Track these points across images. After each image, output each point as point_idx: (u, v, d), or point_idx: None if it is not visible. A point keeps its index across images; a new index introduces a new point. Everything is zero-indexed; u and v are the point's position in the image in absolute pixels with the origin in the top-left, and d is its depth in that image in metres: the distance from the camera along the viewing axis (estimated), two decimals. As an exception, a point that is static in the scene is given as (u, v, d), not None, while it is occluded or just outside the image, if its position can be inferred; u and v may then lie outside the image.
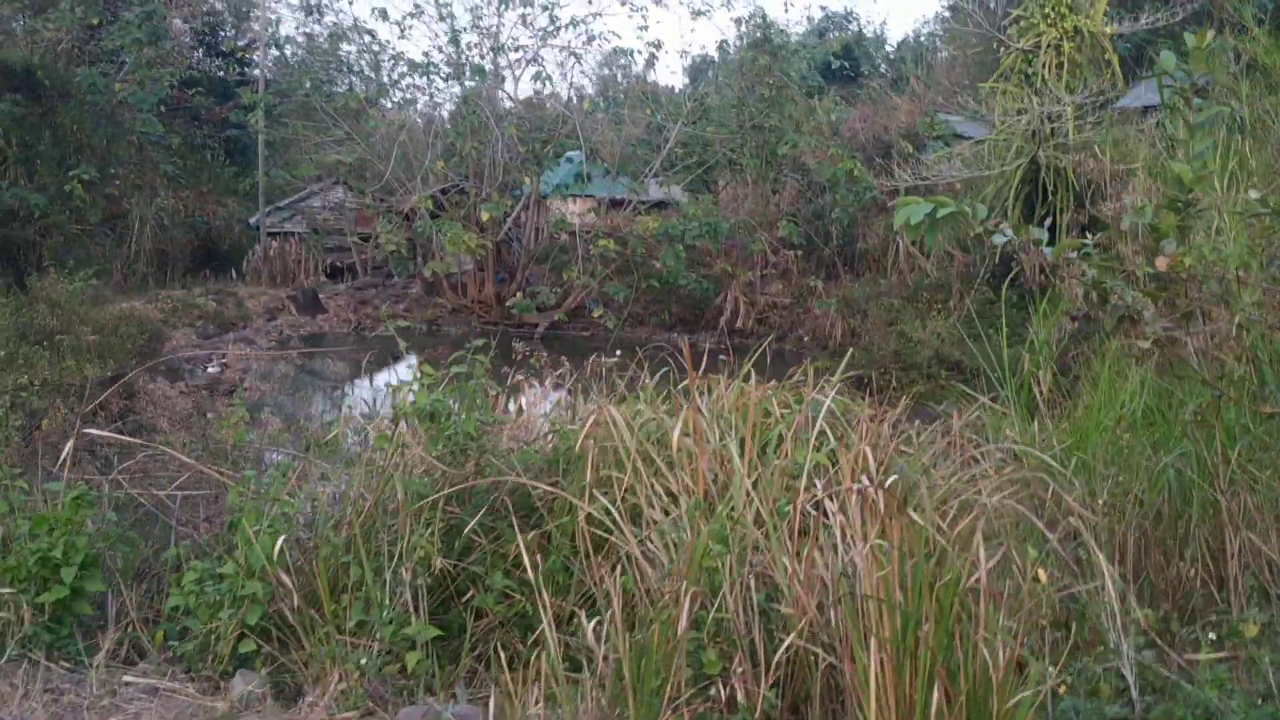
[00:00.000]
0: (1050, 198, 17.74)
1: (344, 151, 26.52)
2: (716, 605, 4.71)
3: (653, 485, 5.89)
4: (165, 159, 28.06)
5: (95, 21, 26.13)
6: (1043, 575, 4.55)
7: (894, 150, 26.05)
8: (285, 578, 5.36)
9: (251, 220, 31.05)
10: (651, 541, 5.35)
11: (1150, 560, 5.31)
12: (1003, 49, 19.16)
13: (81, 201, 23.32)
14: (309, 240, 30.23)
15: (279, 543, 5.39)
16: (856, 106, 31.09)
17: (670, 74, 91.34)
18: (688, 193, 27.84)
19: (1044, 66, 18.14)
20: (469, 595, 5.73)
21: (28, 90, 22.90)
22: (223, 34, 36.47)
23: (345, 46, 28.49)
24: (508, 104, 27.44)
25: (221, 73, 35.58)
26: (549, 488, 6.11)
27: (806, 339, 24.75)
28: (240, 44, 34.89)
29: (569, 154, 28.53)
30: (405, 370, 24.06)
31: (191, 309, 23.63)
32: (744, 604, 4.77)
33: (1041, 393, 8.18)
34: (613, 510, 5.51)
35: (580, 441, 6.26)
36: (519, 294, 25.36)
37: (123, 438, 7.31)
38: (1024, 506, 5.30)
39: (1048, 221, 17.12)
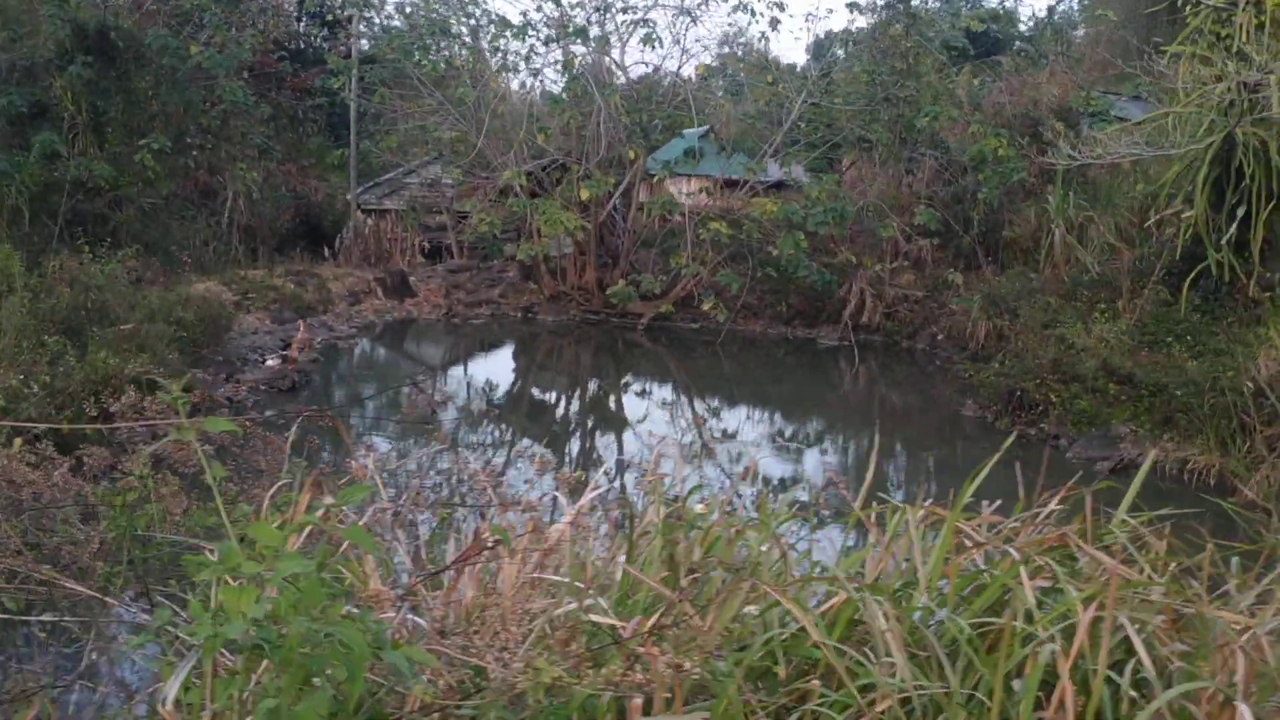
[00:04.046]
0: (1246, 183, 14.86)
1: (435, 123, 24.58)
2: None
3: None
4: (254, 129, 26.43)
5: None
6: None
7: (1043, 128, 23.27)
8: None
9: (350, 195, 29.38)
10: None
11: None
12: (1189, 6, 16.21)
13: (153, 173, 21.70)
14: (406, 218, 28.40)
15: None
16: (998, 81, 28.23)
17: (792, 47, 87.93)
18: (809, 173, 25.34)
19: (1241, 27, 15.21)
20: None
21: (101, 53, 21.35)
22: (326, 2, 34.92)
23: (441, 9, 26.41)
24: (614, 71, 25.15)
25: (325, 42, 34.13)
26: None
27: (941, 338, 22.16)
28: (343, 13, 33.19)
29: (683, 131, 26.26)
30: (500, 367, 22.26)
31: (269, 291, 21.90)
32: None
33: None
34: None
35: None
36: (621, 281, 23.13)
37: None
38: None
39: (1240, 211, 14.42)
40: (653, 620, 2.41)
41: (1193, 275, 15.56)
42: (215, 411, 14.45)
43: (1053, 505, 3.16)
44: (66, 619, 4.89)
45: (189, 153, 24.41)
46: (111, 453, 5.30)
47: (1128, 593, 2.59)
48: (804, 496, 12.89)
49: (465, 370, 21.77)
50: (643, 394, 20.36)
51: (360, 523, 3.92)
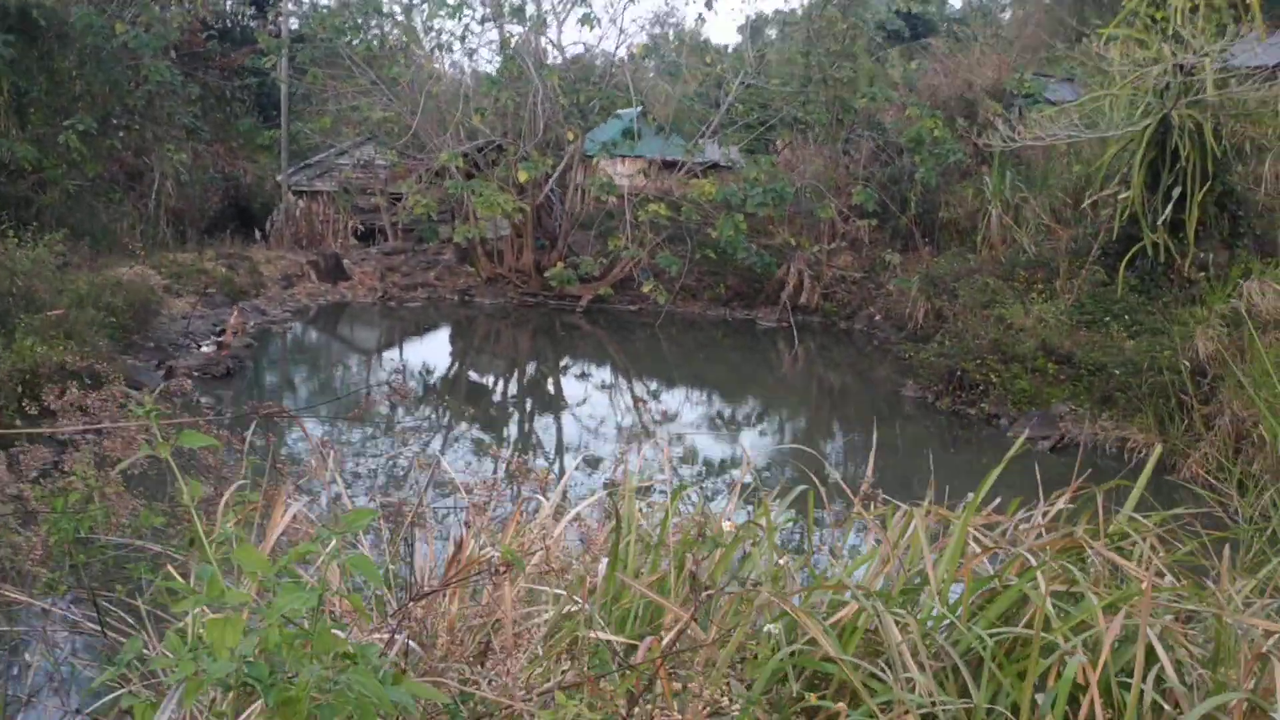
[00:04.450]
0: (1181, 164, 15.02)
1: (368, 103, 24.15)
2: None
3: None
4: (182, 109, 25.81)
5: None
6: None
7: (978, 109, 23.42)
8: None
9: (280, 177, 28.80)
10: None
11: None
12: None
13: (79, 154, 21.09)
14: (339, 200, 27.90)
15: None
16: (932, 63, 28.34)
17: (725, 28, 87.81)
18: (745, 154, 25.26)
19: (1176, 10, 15.34)
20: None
21: (22, 31, 20.67)
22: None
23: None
24: (551, 52, 24.88)
25: (254, 21, 33.42)
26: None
27: (878, 318, 22.24)
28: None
29: (618, 111, 26.04)
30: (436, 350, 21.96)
31: (199, 275, 21.40)
32: None
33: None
34: None
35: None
36: (560, 264, 22.93)
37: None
38: None
39: (1176, 192, 14.58)
40: (667, 640, 2.28)
41: (1129, 256, 15.72)
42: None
43: (1060, 504, 3.06)
44: (5, 629, 4.70)
45: (115, 134, 23.78)
46: (52, 451, 5.07)
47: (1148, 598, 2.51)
48: (747, 479, 12.90)
49: (401, 354, 21.49)
50: (583, 376, 20.24)
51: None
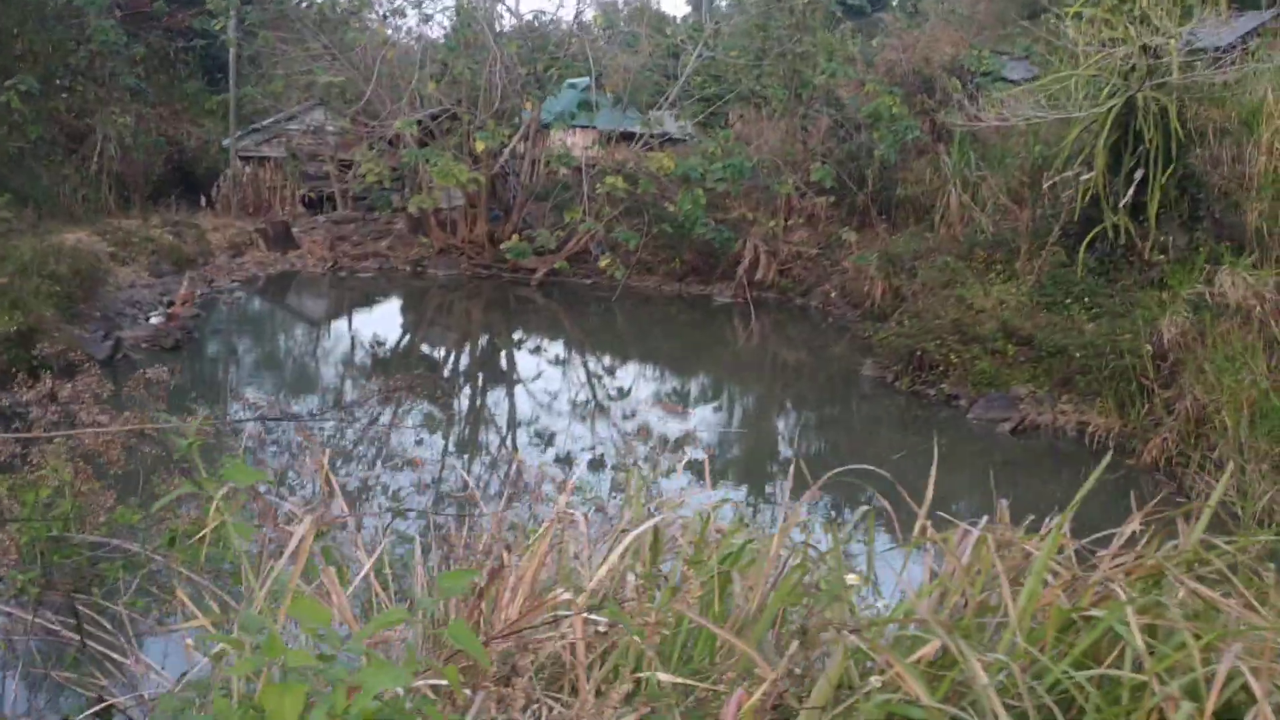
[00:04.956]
0: (1144, 147, 15.04)
1: (321, 68, 23.63)
2: None
3: None
4: (127, 71, 25.12)
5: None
6: None
7: (936, 85, 23.34)
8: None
9: (225, 142, 28.12)
10: None
11: None
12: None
13: (20, 116, 20.45)
14: (287, 167, 27.31)
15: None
16: (883, 38, 28.18)
17: (674, 1, 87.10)
18: (698, 127, 25.02)
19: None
20: None
21: (-39, -11, 20.05)
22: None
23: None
24: (507, 18, 24.47)
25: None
26: None
27: (834, 295, 22.17)
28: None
29: (570, 81, 25.69)
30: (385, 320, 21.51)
31: (146, 242, 20.88)
32: None
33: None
34: None
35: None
36: (515, 236, 22.62)
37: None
38: None
39: (1138, 175, 14.59)
40: (755, 697, 2.07)
41: (1089, 238, 15.74)
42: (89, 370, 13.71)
43: (1132, 526, 2.91)
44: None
45: (59, 95, 23.10)
46: (21, 444, 4.80)
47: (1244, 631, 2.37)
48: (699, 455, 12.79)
49: (350, 324, 21.15)
50: (537, 351, 20.03)
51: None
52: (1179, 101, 14.98)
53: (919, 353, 15.86)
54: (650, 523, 2.85)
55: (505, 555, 2.63)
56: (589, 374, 18.53)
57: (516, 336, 20.92)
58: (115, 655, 3.76)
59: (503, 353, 19.84)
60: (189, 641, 3.80)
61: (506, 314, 22.07)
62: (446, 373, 18.04)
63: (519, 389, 16.96)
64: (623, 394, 16.93)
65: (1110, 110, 15.05)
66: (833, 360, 18.65)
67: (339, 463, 11.15)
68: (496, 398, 16.66)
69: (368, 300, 22.88)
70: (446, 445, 13.42)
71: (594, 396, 17.01)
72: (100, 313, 16.32)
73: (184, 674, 3.09)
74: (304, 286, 22.89)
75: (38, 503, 4.34)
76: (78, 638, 3.69)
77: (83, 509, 4.52)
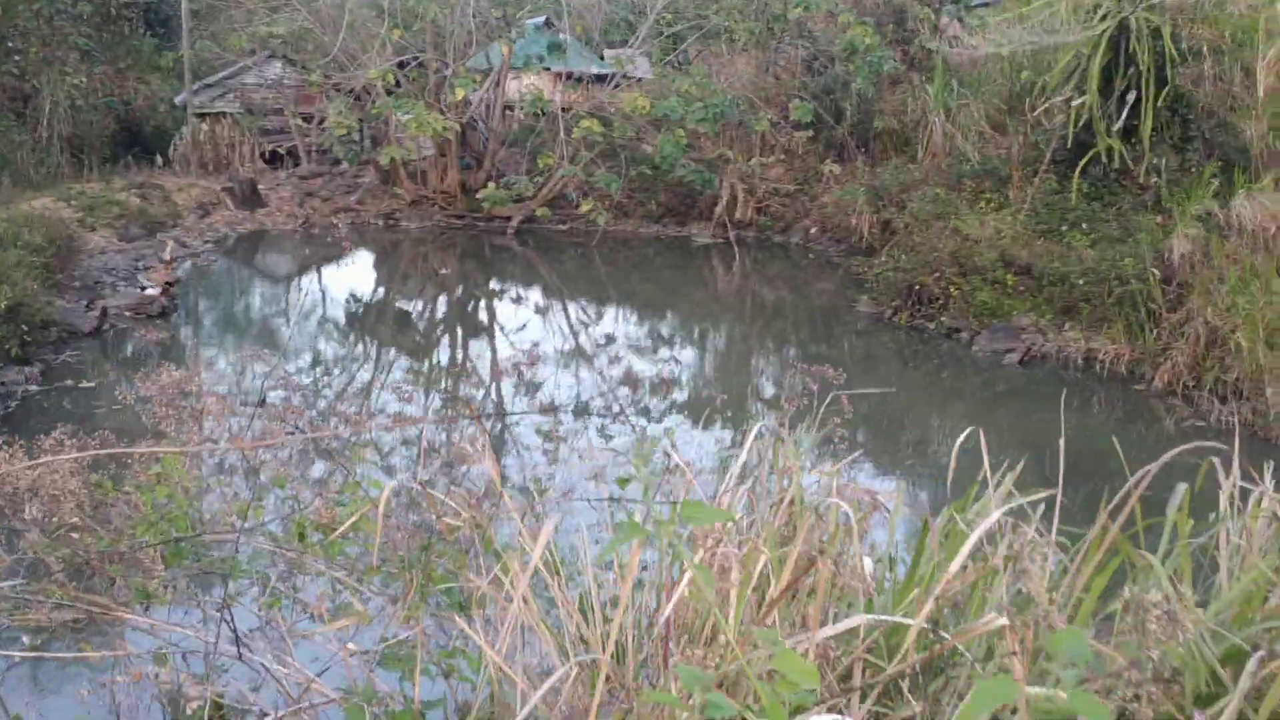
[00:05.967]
0: (1136, 69, 14.92)
1: (280, 20, 22.95)
2: None
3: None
4: (76, 30, 24.30)
5: None
6: None
7: (908, 16, 23.10)
8: None
9: (178, 99, 27.33)
10: None
11: None
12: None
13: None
14: (243, 122, 26.62)
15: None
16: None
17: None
18: (669, 67, 24.54)
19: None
20: None
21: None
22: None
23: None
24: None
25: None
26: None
27: (814, 231, 22.02)
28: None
29: (531, 21, 25.13)
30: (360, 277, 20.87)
31: (112, 206, 20.28)
32: None
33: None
34: None
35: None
36: (490, 183, 22.19)
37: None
38: None
39: (1131, 97, 14.45)
40: None
41: (1083, 163, 15.65)
42: (80, 341, 13.33)
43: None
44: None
45: (10, 57, 22.30)
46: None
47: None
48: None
49: (320, 280, 20.65)
50: (518, 300, 19.69)
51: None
52: (1172, 22, 14.86)
53: (917, 286, 15.75)
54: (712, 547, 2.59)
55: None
56: (573, 319, 18.22)
57: (494, 285, 20.48)
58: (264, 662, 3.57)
59: (482, 301, 19.43)
60: (350, 646, 3.60)
61: (483, 263, 21.63)
62: (425, 325, 17.65)
63: (499, 339, 16.51)
64: (610, 340, 16.47)
65: (1104, 33, 14.90)
66: (823, 296, 18.49)
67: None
68: (479, 348, 16.23)
69: (343, 256, 22.35)
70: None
71: (576, 342, 16.67)
72: (79, 282, 15.84)
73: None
74: (279, 244, 22.36)
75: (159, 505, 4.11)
76: (237, 654, 3.48)
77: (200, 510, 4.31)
